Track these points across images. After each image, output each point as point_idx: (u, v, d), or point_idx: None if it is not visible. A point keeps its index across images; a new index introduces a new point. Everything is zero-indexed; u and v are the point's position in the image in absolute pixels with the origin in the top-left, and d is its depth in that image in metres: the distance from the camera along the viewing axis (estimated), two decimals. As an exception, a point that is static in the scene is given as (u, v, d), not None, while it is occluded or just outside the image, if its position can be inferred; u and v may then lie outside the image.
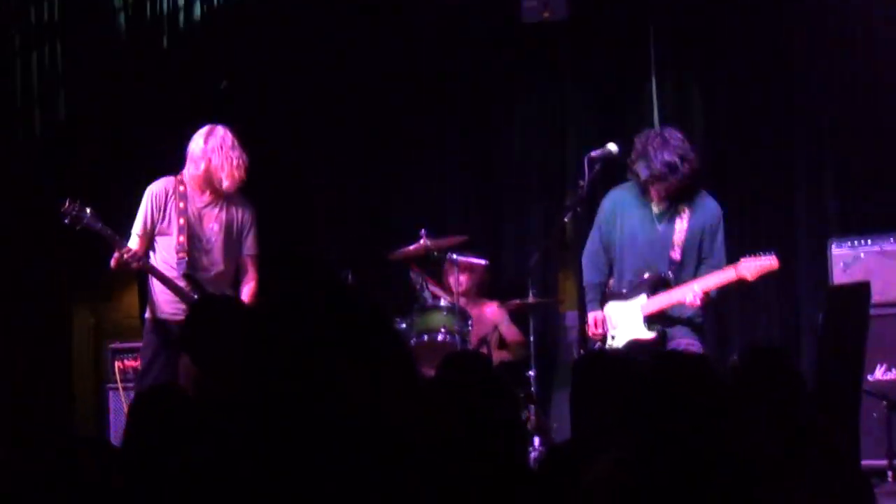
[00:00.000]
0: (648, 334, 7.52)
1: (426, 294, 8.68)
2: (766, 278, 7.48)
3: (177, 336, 7.18)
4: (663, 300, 7.45)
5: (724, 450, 3.42)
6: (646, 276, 7.56)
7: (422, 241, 8.67)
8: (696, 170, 7.49)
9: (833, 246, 8.32)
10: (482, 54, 10.18)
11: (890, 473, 7.73)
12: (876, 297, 7.61)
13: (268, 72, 10.14)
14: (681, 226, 7.50)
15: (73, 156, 9.69)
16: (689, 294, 7.34)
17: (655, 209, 7.61)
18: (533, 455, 7.87)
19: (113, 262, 7.41)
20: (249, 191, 7.87)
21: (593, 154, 7.96)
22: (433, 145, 10.37)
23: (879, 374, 7.90)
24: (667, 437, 3.42)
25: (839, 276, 8.21)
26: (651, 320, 7.51)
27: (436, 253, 8.76)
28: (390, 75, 10.27)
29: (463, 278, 9.20)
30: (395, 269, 9.34)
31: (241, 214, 7.76)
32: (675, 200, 7.56)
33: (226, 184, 7.58)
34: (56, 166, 9.55)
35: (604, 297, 7.79)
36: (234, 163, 7.58)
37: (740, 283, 7.41)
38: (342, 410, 2.38)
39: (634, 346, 7.51)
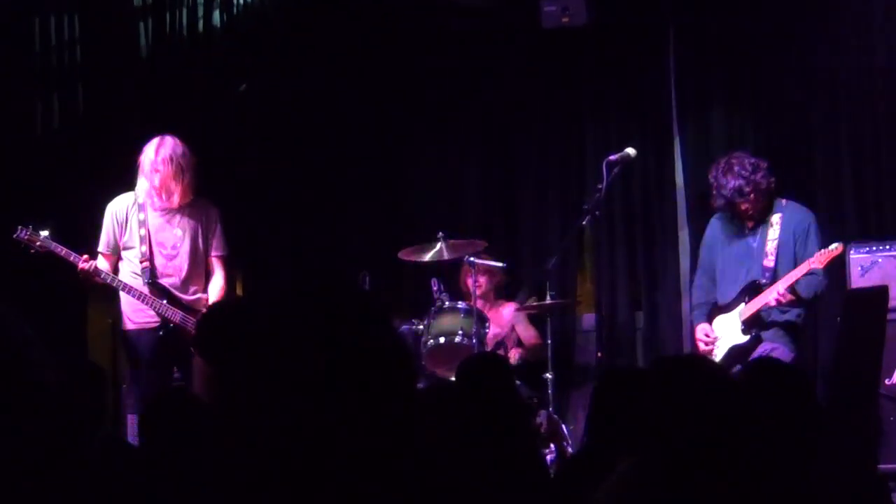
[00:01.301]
0: (743, 338, 7.82)
1: (443, 296, 8.69)
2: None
3: (152, 343, 7.62)
4: (755, 304, 7.75)
5: (738, 458, 3.43)
6: (745, 285, 7.88)
7: (439, 244, 8.69)
8: (767, 186, 7.89)
9: (851, 250, 8.31)
10: (502, 58, 10.20)
11: (906, 478, 7.71)
12: (893, 302, 7.62)
13: (286, 75, 10.17)
14: (773, 234, 7.86)
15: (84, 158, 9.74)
16: (773, 294, 7.65)
17: (749, 226, 8.00)
18: (551, 458, 7.88)
19: (80, 275, 7.61)
20: (272, 192, 7.96)
21: (611, 158, 8.02)
22: (453, 148, 10.38)
23: (896, 378, 7.88)
24: (681, 445, 3.43)
25: (857, 280, 8.20)
26: (747, 324, 7.81)
27: (452, 256, 8.76)
28: (411, 78, 10.29)
29: (481, 280, 9.21)
30: (412, 271, 9.36)
31: (204, 217, 7.92)
32: (764, 213, 7.95)
33: (177, 194, 7.74)
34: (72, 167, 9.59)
35: (712, 315, 8.09)
36: (179, 173, 7.72)
37: (813, 272, 7.67)
38: (350, 413, 2.40)
39: (732, 351, 7.85)
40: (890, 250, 8.17)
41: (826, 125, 9.25)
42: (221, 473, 3.25)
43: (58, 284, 9.27)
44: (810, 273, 7.65)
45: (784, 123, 9.38)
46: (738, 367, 7.55)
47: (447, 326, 8.53)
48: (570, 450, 8.02)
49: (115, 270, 7.81)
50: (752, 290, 7.81)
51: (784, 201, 8.01)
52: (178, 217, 7.84)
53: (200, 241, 7.89)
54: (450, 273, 9.23)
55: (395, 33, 10.22)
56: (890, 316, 7.58)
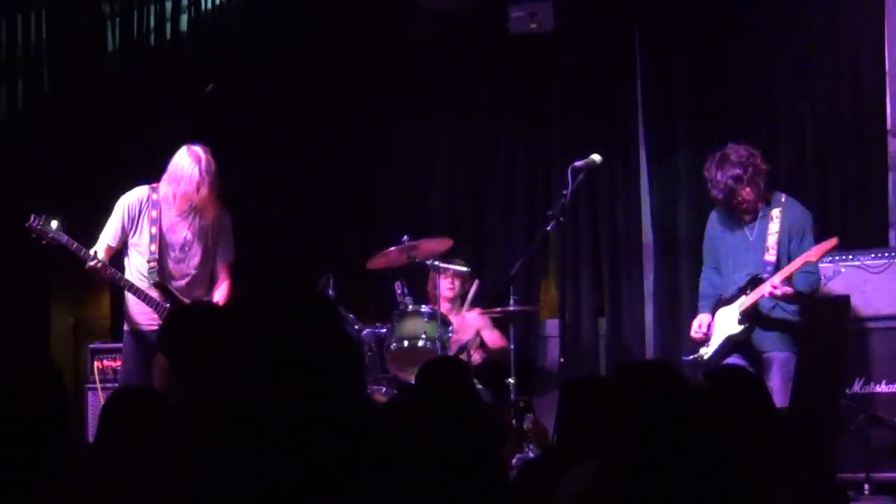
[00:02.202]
0: (738, 328, 7.75)
1: (407, 299, 8.68)
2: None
3: (153, 345, 7.29)
4: (754, 295, 7.67)
5: (697, 465, 3.44)
6: (745, 279, 7.79)
7: (404, 243, 8.67)
8: (766, 170, 7.81)
9: (816, 258, 8.35)
10: (470, 63, 10.22)
11: (867, 486, 7.74)
12: (855, 311, 7.66)
13: (252, 76, 10.16)
14: (773, 229, 7.78)
15: (49, 160, 9.72)
16: (767, 286, 7.60)
17: (747, 217, 7.88)
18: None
19: (88, 270, 7.51)
20: (231, 197, 7.92)
21: (577, 164, 8.01)
22: (419, 152, 10.39)
23: (857, 387, 7.90)
24: (641, 450, 3.44)
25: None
26: (744, 315, 7.73)
27: (417, 259, 8.77)
28: (377, 83, 10.30)
29: (450, 284, 9.22)
30: (376, 275, 9.35)
31: (215, 222, 7.83)
32: (761, 204, 7.86)
33: (198, 203, 7.66)
34: (30, 171, 9.58)
35: (714, 308, 8.01)
36: (209, 184, 7.64)
37: (808, 265, 7.62)
38: (311, 417, 2.40)
39: (727, 342, 7.80)
40: (853, 260, 8.19)
41: (791, 135, 9.28)
42: (175, 473, 3.24)
43: (19, 281, 9.24)
44: (806, 268, 7.63)
45: (749, 132, 9.40)
46: (734, 359, 7.69)
47: (410, 330, 8.52)
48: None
49: (121, 266, 7.70)
50: (754, 284, 7.74)
51: (783, 197, 7.95)
52: (189, 220, 7.73)
53: (210, 245, 7.81)
54: (415, 276, 9.22)
55: (362, 36, 10.22)
56: (852, 325, 7.61)
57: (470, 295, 9.17)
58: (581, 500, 3.55)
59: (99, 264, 7.46)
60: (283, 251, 9.94)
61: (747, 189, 7.74)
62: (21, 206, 8.09)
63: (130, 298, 7.67)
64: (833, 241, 7.62)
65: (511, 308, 8.59)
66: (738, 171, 7.68)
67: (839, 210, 9.09)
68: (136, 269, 7.68)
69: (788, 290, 7.61)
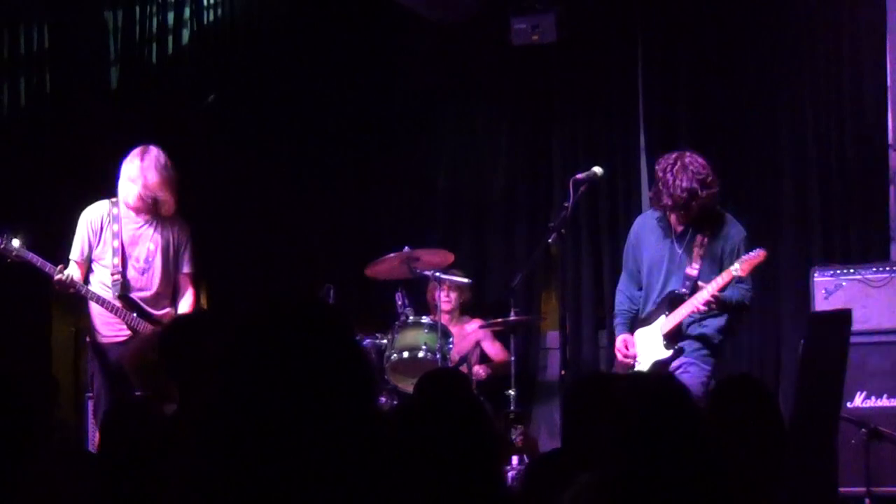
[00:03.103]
0: (666, 353, 7.50)
1: (408, 310, 8.69)
2: (757, 270, 7.42)
3: (116, 357, 7.52)
4: (678, 315, 7.43)
5: (701, 474, 3.43)
6: (663, 295, 7.56)
7: (405, 252, 8.68)
8: (716, 194, 7.50)
9: (815, 273, 8.34)
10: (471, 74, 10.23)
11: (867, 501, 7.74)
12: (857, 325, 7.62)
13: (253, 87, 10.17)
14: (700, 246, 7.47)
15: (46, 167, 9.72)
16: (696, 301, 7.31)
17: (677, 228, 7.60)
18: (511, 474, 7.88)
19: (55, 286, 7.55)
20: (234, 206, 7.93)
21: (578, 177, 7.98)
22: (420, 163, 10.41)
23: (859, 401, 7.91)
24: (645, 460, 3.43)
25: (821, 303, 8.22)
26: (669, 338, 7.50)
27: (418, 270, 8.77)
28: (379, 94, 10.31)
29: (447, 296, 9.22)
30: (376, 285, 9.35)
31: (177, 233, 7.88)
32: (697, 223, 7.55)
33: (162, 202, 7.70)
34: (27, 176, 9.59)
35: (633, 326, 7.78)
36: (168, 182, 7.68)
37: (737, 280, 7.35)
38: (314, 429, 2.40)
39: (655, 367, 7.50)
40: (854, 274, 8.20)
41: (793, 147, 9.28)
42: (179, 483, 3.23)
43: (21, 292, 9.22)
44: (737, 282, 7.37)
45: (751, 144, 9.41)
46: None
47: (411, 341, 8.53)
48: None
49: (86, 279, 7.75)
50: (672, 301, 7.47)
51: (724, 216, 7.65)
52: (151, 231, 7.79)
53: (172, 256, 7.84)
54: (415, 287, 9.22)
55: (364, 48, 10.24)
56: (852, 339, 7.60)
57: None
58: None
59: (66, 277, 7.48)
60: (282, 261, 9.95)
61: (699, 205, 7.42)
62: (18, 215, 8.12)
63: (94, 310, 7.72)
64: (761, 255, 7.28)
65: (512, 319, 8.59)
66: (695, 185, 7.34)
67: (841, 223, 9.09)
68: (101, 283, 7.73)
69: (712, 300, 7.29)
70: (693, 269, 7.45)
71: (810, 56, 9.26)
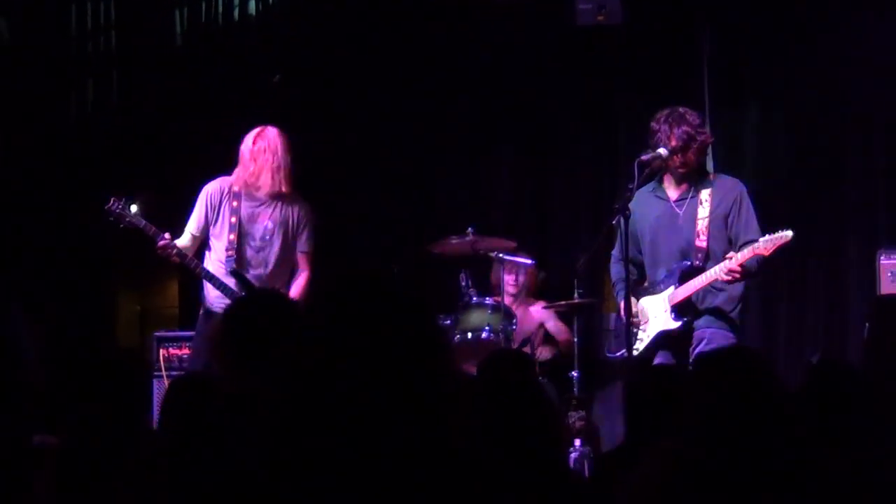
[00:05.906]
0: (674, 324, 7.34)
1: (471, 291, 8.69)
2: (781, 251, 7.16)
3: None
4: (691, 286, 7.27)
5: (776, 453, 3.41)
6: (674, 266, 7.41)
7: (469, 237, 8.69)
8: (707, 140, 7.48)
9: (882, 257, 8.28)
10: (535, 55, 10.20)
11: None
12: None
13: (318, 66, 10.20)
14: (703, 213, 7.35)
15: (126, 146, 9.80)
16: (719, 270, 7.13)
17: (673, 195, 7.49)
18: (574, 456, 7.87)
19: (158, 251, 7.54)
20: (301, 185, 7.93)
21: (643, 158, 7.91)
22: (484, 144, 10.39)
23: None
24: (716, 435, 3.42)
25: (887, 286, 8.16)
26: (677, 310, 7.35)
27: (481, 251, 8.78)
28: (444, 73, 10.30)
29: (510, 278, 9.23)
30: (441, 266, 9.35)
31: (296, 212, 7.83)
32: (692, 185, 7.44)
33: (269, 185, 7.67)
34: (106, 155, 9.66)
35: (638, 293, 7.63)
36: (281, 165, 7.66)
37: (760, 260, 7.16)
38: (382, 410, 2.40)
39: (660, 337, 7.40)
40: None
41: (860, 129, 9.21)
42: (238, 462, 3.26)
43: (86, 270, 9.33)
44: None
45: (818, 124, 9.34)
46: (663, 356, 7.35)
47: (474, 322, 8.54)
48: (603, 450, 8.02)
49: (201, 256, 7.76)
50: (683, 273, 7.33)
51: (712, 175, 7.60)
52: (269, 210, 7.76)
53: (290, 235, 7.82)
54: (478, 268, 9.22)
55: (428, 28, 10.23)
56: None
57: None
58: (655, 478, 3.52)
59: (170, 244, 7.49)
60: (348, 244, 9.97)
61: (694, 153, 7.37)
62: (89, 198, 8.17)
63: (208, 283, 7.72)
64: (787, 236, 7.06)
65: (575, 301, 8.58)
66: (691, 131, 7.28)
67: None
68: (217, 258, 7.72)
69: (736, 270, 7.10)
70: (702, 241, 7.34)
71: (878, 35, 9.16)
